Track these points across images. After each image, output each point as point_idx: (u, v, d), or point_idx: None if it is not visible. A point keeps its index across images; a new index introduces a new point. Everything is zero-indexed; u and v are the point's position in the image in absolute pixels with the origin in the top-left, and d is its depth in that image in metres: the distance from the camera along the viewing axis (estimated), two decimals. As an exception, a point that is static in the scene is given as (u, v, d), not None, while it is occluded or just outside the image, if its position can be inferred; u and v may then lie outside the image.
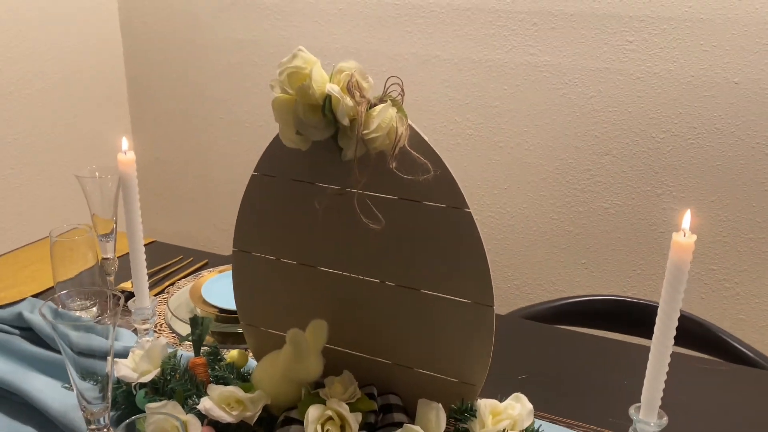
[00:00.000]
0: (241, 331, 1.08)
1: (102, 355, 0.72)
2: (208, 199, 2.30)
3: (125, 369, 0.86)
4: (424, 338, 0.79)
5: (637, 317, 1.31)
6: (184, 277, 1.30)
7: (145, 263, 1.00)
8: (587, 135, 1.70)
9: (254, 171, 0.81)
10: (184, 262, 1.36)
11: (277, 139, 0.78)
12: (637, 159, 1.67)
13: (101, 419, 0.67)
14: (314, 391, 0.80)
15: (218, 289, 1.17)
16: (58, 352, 0.98)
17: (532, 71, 1.71)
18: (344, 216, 0.76)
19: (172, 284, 1.27)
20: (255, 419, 0.80)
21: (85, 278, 1.12)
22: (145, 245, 0.97)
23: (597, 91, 1.66)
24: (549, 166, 1.76)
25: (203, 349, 0.89)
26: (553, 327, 1.19)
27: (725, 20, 1.50)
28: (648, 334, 1.11)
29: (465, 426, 0.76)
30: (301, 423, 0.79)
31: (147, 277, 1.02)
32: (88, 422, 0.67)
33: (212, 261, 1.37)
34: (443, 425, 0.75)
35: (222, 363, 0.87)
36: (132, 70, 2.32)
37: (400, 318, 0.80)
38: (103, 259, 1.09)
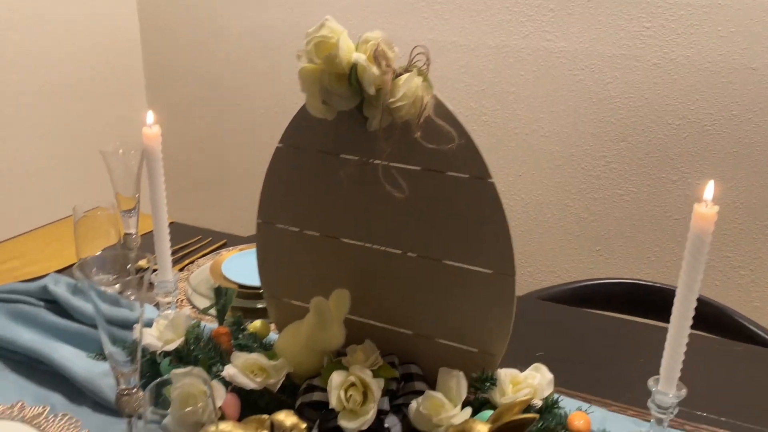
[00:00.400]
0: (260, 306, 1.10)
1: (127, 325, 0.74)
2: (223, 181, 2.32)
3: (150, 338, 0.87)
4: (445, 308, 0.80)
5: (653, 300, 1.31)
6: (203, 255, 1.32)
7: (168, 236, 1.02)
8: (603, 121, 1.70)
9: (279, 143, 0.83)
10: (203, 242, 1.38)
11: (302, 111, 0.79)
12: (653, 145, 1.67)
13: (131, 380, 0.69)
14: (336, 360, 0.81)
15: (238, 266, 1.19)
16: (82, 323, 1.00)
17: (549, 57, 1.71)
18: (368, 187, 0.77)
19: (192, 262, 1.29)
20: (278, 386, 0.81)
21: (108, 255, 1.14)
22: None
23: (613, 77, 1.66)
24: (564, 152, 1.76)
25: (226, 319, 0.91)
26: (569, 307, 1.20)
27: (743, 5, 1.50)
28: (664, 317, 1.12)
29: (485, 395, 0.77)
30: (324, 390, 0.80)
31: (170, 251, 1.03)
32: (118, 383, 0.69)
33: (230, 241, 1.39)
34: (464, 393, 0.76)
35: (245, 332, 0.89)
36: (149, 55, 2.34)
37: (422, 289, 0.81)
38: (126, 234, 1.11)
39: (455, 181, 0.74)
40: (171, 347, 0.86)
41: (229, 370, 0.80)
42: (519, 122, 1.77)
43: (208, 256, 1.31)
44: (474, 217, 0.74)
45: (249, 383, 0.80)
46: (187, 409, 0.74)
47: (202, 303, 1.13)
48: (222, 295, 0.89)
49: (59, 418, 0.83)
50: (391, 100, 0.68)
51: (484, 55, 1.77)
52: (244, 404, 0.81)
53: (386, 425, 0.75)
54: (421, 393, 0.78)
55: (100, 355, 0.94)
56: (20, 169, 2.06)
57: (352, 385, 0.76)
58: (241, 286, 1.13)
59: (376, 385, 0.75)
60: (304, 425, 0.74)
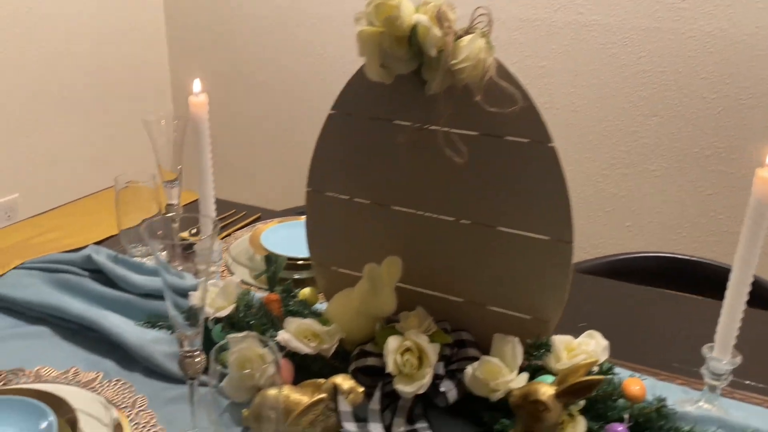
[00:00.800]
0: (298, 277, 1.10)
1: (180, 292, 0.74)
2: (254, 157, 2.31)
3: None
4: (499, 276, 0.80)
5: (688, 274, 1.31)
6: (239, 228, 1.32)
7: (214, 205, 1.02)
8: (635, 96, 1.69)
9: (331, 110, 0.82)
10: (238, 215, 1.38)
11: (355, 77, 0.79)
12: (685, 120, 1.65)
13: (194, 342, 0.69)
14: (389, 325, 0.81)
15: (276, 237, 1.19)
16: (127, 292, 1.01)
17: (581, 30, 1.69)
18: (422, 153, 0.77)
19: (228, 235, 1.30)
20: (332, 352, 0.81)
21: (150, 225, 1.14)
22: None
23: (647, 51, 1.64)
24: (595, 127, 1.74)
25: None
26: (607, 280, 1.20)
27: (783, -24, 1.47)
28: (700, 290, 1.11)
29: (539, 362, 0.78)
30: (377, 355, 0.81)
31: (216, 217, 1.04)
32: (182, 345, 0.69)
33: (264, 215, 1.39)
34: (520, 359, 0.76)
35: (295, 299, 0.89)
36: (172, 30, 2.33)
37: (475, 256, 0.81)
38: (168, 205, 1.11)
39: (514, 146, 0.73)
40: (223, 313, 0.86)
41: (283, 335, 0.81)
42: (549, 97, 1.76)
43: (243, 229, 1.32)
44: (533, 183, 0.74)
45: (303, 348, 0.80)
46: (245, 372, 0.75)
47: (242, 272, 1.13)
48: (272, 262, 0.89)
49: (113, 383, 0.84)
50: (453, 62, 0.67)
51: (515, 29, 1.75)
52: (297, 370, 0.81)
53: (442, 389, 0.76)
54: (474, 359, 0.79)
55: (148, 323, 0.94)
56: (60, 141, 2.07)
57: (408, 350, 0.76)
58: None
59: (433, 350, 0.75)
60: (361, 389, 0.75)
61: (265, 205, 1.47)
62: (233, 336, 0.81)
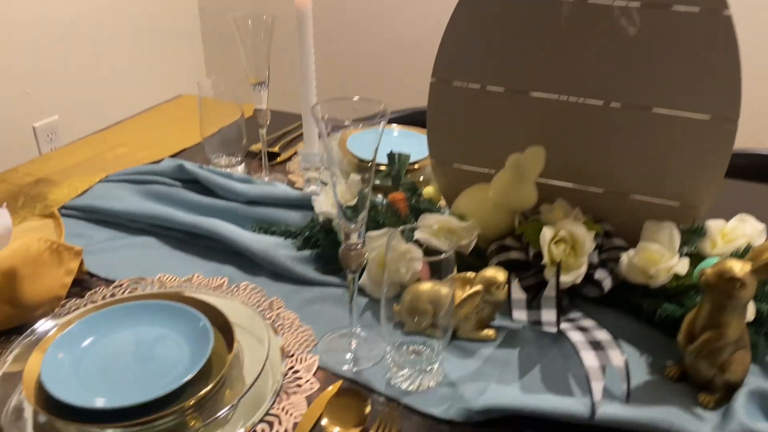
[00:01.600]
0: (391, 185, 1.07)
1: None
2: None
3: (326, 206, 0.85)
4: (647, 162, 0.77)
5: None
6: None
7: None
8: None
9: (469, -10, 0.77)
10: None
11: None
12: None
13: (356, 235, 0.66)
14: (533, 218, 0.79)
15: (359, 143, 1.15)
16: (229, 200, 0.98)
17: None
18: (575, 32, 0.72)
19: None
20: (471, 248, 0.79)
21: (230, 132, 1.09)
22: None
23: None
24: None
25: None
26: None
27: None
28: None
29: (690, 250, 0.76)
30: (519, 249, 0.79)
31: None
32: (347, 237, 0.66)
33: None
34: (677, 244, 0.74)
35: (420, 198, 0.86)
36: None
37: (621, 142, 0.77)
38: (256, 110, 1.06)
39: (682, 17, 0.68)
40: (350, 213, 0.83)
41: (421, 233, 0.78)
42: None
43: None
44: (700, 57, 0.69)
45: (443, 245, 0.78)
46: (392, 267, 0.73)
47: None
48: (395, 161, 0.85)
49: (242, 288, 0.82)
50: None
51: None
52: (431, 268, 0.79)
53: (597, 278, 0.74)
54: (622, 249, 0.77)
55: (261, 230, 0.91)
56: (98, 61, 1.98)
57: (561, 240, 0.74)
58: (363, 161, 1.09)
59: (589, 238, 0.73)
60: (516, 279, 0.73)
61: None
62: (371, 233, 0.78)
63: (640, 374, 0.67)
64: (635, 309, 0.75)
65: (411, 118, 1.23)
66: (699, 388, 0.65)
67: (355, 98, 0.62)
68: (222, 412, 0.61)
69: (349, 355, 0.71)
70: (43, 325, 0.72)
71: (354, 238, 0.66)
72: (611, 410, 0.61)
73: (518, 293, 0.70)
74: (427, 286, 0.68)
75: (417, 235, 0.79)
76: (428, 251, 0.80)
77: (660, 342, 0.72)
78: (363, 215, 0.66)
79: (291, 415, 0.63)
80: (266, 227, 0.91)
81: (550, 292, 0.69)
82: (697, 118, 0.72)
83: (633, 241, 0.77)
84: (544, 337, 0.72)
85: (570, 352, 0.70)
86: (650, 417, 0.60)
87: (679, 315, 0.70)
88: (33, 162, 1.16)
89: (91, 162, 1.15)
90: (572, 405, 0.61)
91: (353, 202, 0.83)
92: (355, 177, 0.87)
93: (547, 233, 0.73)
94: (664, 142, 0.75)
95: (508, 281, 0.70)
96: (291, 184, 1.08)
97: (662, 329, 0.73)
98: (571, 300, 0.77)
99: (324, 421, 0.62)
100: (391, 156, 0.86)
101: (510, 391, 0.65)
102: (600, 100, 0.76)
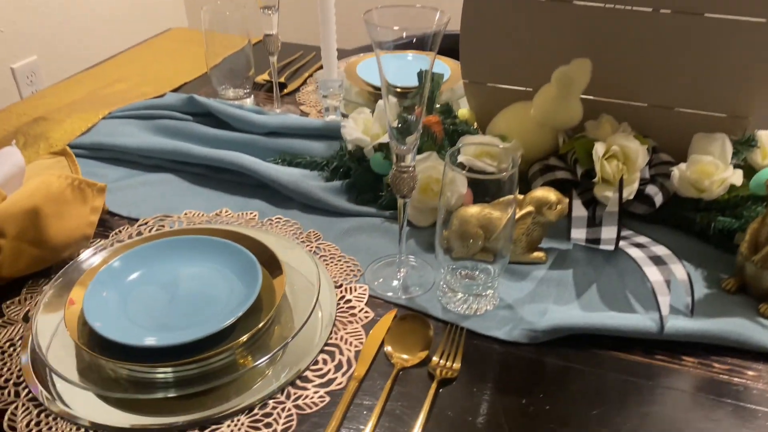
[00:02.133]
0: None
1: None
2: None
3: (356, 132, 0.80)
4: (695, 72, 0.74)
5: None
6: (319, 68, 1.22)
7: (334, 31, 0.92)
8: None
9: None
10: (307, 57, 1.27)
11: None
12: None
13: (407, 158, 0.62)
14: (578, 135, 0.76)
15: (369, 69, 1.09)
16: (246, 132, 0.93)
17: None
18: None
19: (310, 75, 1.19)
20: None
21: (237, 62, 1.03)
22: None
23: None
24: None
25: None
26: None
27: None
28: None
29: (739, 161, 0.74)
30: (564, 168, 0.76)
31: (336, 47, 0.94)
32: (398, 159, 0.62)
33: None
34: (729, 154, 0.72)
35: (455, 120, 0.82)
36: None
37: (669, 52, 0.74)
38: (266, 35, 0.99)
39: None
40: (383, 140, 0.79)
41: (465, 155, 0.75)
42: None
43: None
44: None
45: (487, 167, 0.74)
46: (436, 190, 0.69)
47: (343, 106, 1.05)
48: (423, 79, 0.80)
49: (275, 221, 0.78)
50: None
51: None
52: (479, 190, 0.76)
53: (647, 193, 0.72)
54: (670, 164, 0.74)
55: (284, 161, 0.87)
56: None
57: (612, 156, 0.71)
58: (376, 88, 1.05)
59: (642, 152, 0.71)
60: (566, 199, 0.70)
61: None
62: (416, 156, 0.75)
63: (698, 288, 0.66)
64: (684, 224, 0.73)
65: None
66: (758, 299, 0.64)
67: (416, 5, 0.57)
68: (289, 339, 0.59)
69: (397, 283, 0.68)
70: (74, 265, 0.68)
71: (408, 160, 0.62)
72: (680, 324, 0.60)
73: (580, 210, 0.68)
74: (474, 209, 0.65)
75: (461, 158, 0.76)
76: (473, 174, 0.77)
77: (712, 255, 0.71)
78: (416, 136, 0.62)
79: (350, 344, 0.60)
80: (290, 159, 0.87)
81: (612, 207, 0.67)
82: (751, 21, 0.69)
83: (679, 157, 0.75)
84: (596, 256, 0.71)
85: (625, 269, 0.68)
86: (720, 328, 0.59)
87: (736, 227, 0.68)
88: (27, 101, 1.08)
89: (88, 99, 1.08)
90: (640, 321, 0.60)
91: (403, 123, 0.79)
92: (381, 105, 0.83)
93: (599, 148, 0.70)
94: (714, 50, 0.72)
95: (570, 199, 0.68)
96: (305, 115, 1.03)
97: (714, 243, 0.72)
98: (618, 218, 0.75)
99: (388, 348, 0.60)
100: (420, 75, 0.81)
101: (571, 311, 0.63)
102: (649, 6, 0.72)
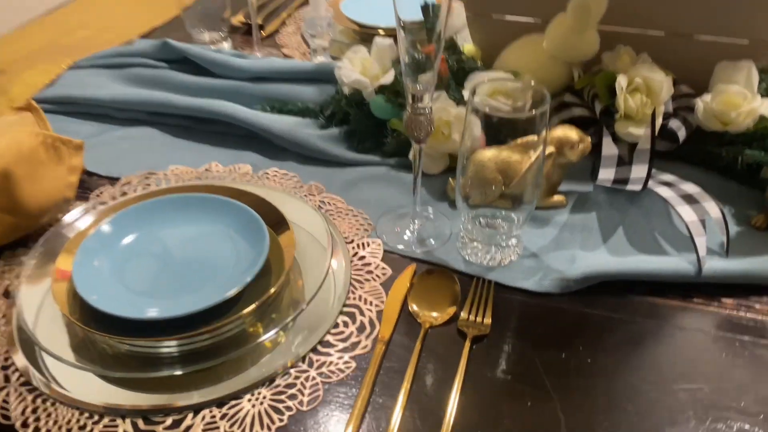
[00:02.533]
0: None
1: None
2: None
3: (354, 74, 0.74)
4: (718, -5, 0.69)
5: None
6: (300, 6, 1.14)
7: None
8: None
9: None
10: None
11: None
12: None
13: (423, 99, 0.56)
14: (596, 69, 0.71)
15: (355, 6, 1.02)
16: (229, 78, 0.85)
17: None
18: None
19: (289, 15, 1.11)
20: (529, 107, 0.71)
21: (212, 2, 0.95)
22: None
23: None
24: None
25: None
26: None
27: None
28: None
29: (762, 90, 0.70)
30: (580, 105, 0.71)
31: (323, -19, 0.86)
32: (416, 99, 0.56)
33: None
34: (756, 83, 0.67)
35: (461, 56, 0.76)
36: None
37: (690, -26, 0.69)
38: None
39: None
40: (386, 80, 0.73)
41: (479, 94, 0.69)
42: None
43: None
44: None
45: (503, 106, 0.69)
46: (445, 133, 0.64)
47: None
48: (430, 13, 0.74)
49: (271, 174, 0.72)
50: None
51: None
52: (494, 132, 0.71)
53: (670, 127, 0.68)
54: (691, 96, 0.70)
55: (273, 109, 0.80)
56: None
57: (635, 89, 0.67)
58: (362, 26, 0.98)
59: (667, 84, 0.66)
60: (588, 137, 0.65)
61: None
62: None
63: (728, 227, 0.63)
64: (707, 160, 0.69)
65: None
66: (790, 235, 0.62)
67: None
68: (305, 305, 0.54)
69: (412, 236, 0.63)
70: (55, 231, 0.61)
71: (426, 100, 0.56)
72: (717, 265, 0.57)
73: (611, 149, 0.63)
74: (490, 153, 0.60)
75: (476, 98, 0.70)
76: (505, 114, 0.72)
77: (737, 192, 0.68)
78: (432, 74, 0.56)
79: (371, 303, 0.56)
80: (279, 106, 0.80)
81: (644, 145, 0.63)
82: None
83: (698, 89, 0.70)
84: (618, 198, 0.67)
85: (652, 211, 0.65)
86: (760, 267, 0.56)
87: (765, 160, 0.65)
88: (-23, 53, 0.98)
89: (48, 49, 0.98)
90: (676, 264, 0.57)
91: (388, 78, 0.73)
92: (385, 42, 0.77)
93: (622, 81, 0.65)
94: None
95: (599, 136, 0.63)
96: (289, 59, 0.95)
97: (738, 179, 0.68)
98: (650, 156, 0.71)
99: (413, 306, 0.55)
100: (425, 8, 0.74)
101: (601, 257, 0.59)
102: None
